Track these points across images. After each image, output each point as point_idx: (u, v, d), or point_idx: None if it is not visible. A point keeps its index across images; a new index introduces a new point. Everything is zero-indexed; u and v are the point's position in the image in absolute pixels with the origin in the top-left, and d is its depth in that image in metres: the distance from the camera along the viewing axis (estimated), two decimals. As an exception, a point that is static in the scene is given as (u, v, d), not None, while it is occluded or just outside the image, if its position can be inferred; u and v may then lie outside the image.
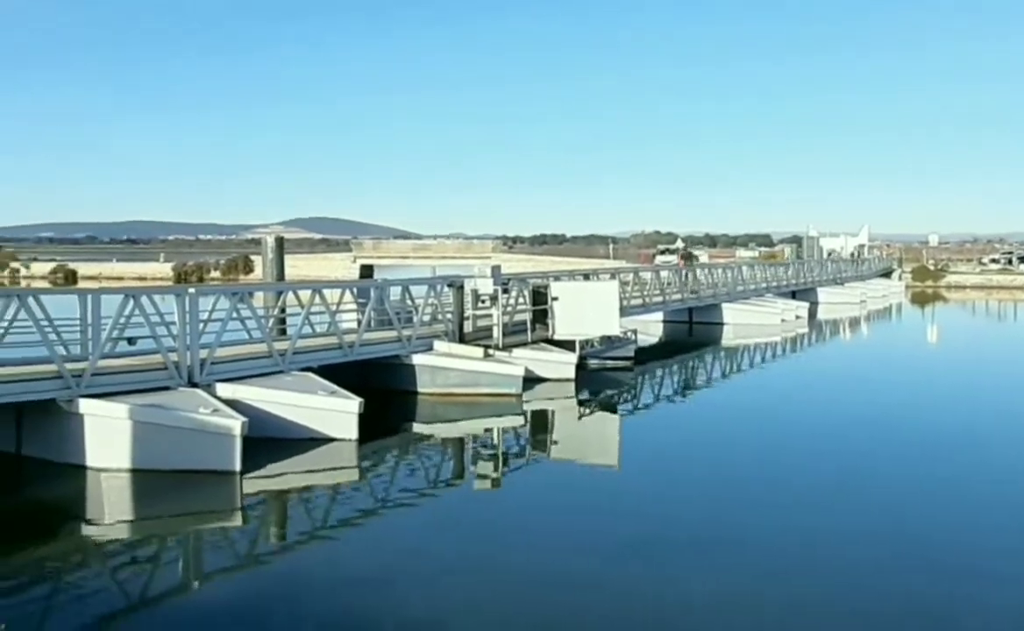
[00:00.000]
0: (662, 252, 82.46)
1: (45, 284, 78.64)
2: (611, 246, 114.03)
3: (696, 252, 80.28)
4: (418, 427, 18.06)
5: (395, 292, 21.71)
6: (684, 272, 32.97)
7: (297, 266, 75.36)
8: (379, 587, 9.60)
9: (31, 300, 13.96)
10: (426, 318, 21.12)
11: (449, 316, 21.15)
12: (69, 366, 13.77)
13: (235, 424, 13.14)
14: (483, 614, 8.88)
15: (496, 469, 14.86)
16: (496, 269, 21.92)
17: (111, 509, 12.85)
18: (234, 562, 10.82)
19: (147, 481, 13.13)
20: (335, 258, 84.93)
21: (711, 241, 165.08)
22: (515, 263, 62.59)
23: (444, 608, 8.98)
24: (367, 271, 69.42)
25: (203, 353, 15.40)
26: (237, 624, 8.83)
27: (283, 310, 19.68)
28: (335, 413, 15.13)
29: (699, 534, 11.32)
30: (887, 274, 69.53)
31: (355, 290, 21.10)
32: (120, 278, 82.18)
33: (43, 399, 13.40)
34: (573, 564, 10.17)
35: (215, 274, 78.21)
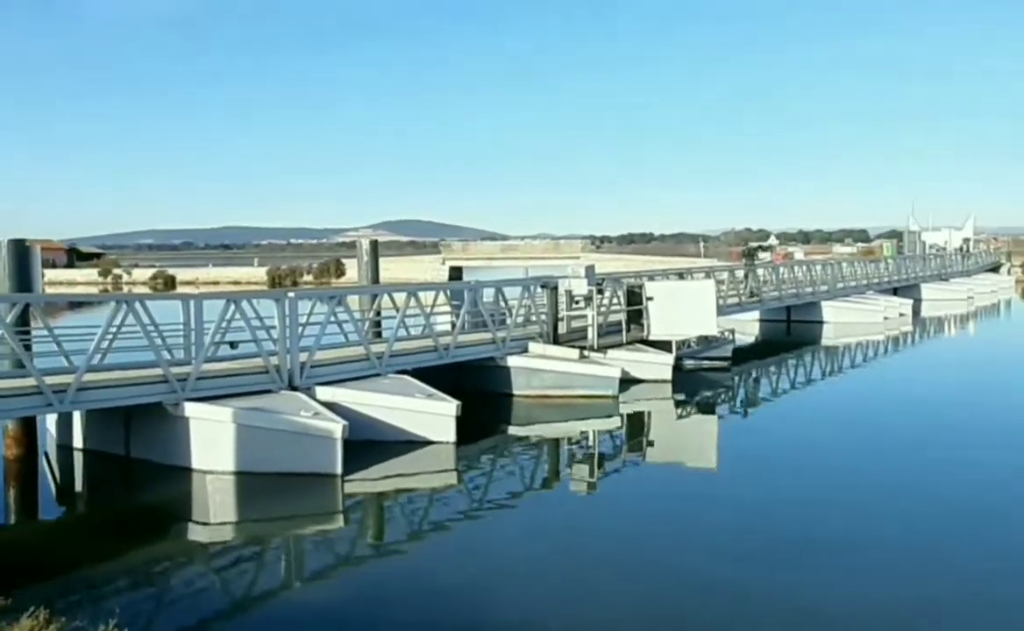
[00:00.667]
0: (755, 249, 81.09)
1: (146, 289, 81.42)
2: (702, 244, 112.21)
3: (790, 249, 78.57)
4: (514, 429, 17.91)
5: (487, 294, 21.63)
6: (745, 273, 31.89)
7: (388, 269, 76.16)
8: (476, 591, 9.51)
9: (137, 305, 14.27)
10: (519, 320, 20.97)
11: (544, 317, 20.96)
12: (173, 370, 14.03)
13: (336, 427, 13.18)
14: (580, 617, 8.70)
15: (592, 472, 14.69)
16: (590, 269, 21.64)
17: (216, 510, 13.04)
18: (335, 564, 10.84)
19: (251, 483, 13.28)
20: (424, 260, 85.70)
21: (804, 237, 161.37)
22: (604, 263, 61.84)
23: (539, 610, 8.84)
24: (456, 273, 69.94)
25: (302, 356, 15.53)
26: (338, 625, 8.82)
27: (378, 313, 19.77)
28: (433, 416, 15.09)
29: (802, 538, 10.94)
30: (995, 269, 66.79)
31: (448, 292, 21.10)
32: (216, 282, 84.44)
33: (150, 403, 13.67)
34: (672, 565, 10.02)
35: (308, 277, 79.76)
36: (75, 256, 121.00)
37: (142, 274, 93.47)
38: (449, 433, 15.06)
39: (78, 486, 14.57)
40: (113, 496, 13.97)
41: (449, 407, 15.09)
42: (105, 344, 14.08)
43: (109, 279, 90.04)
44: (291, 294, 15.52)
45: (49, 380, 12.73)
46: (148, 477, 13.94)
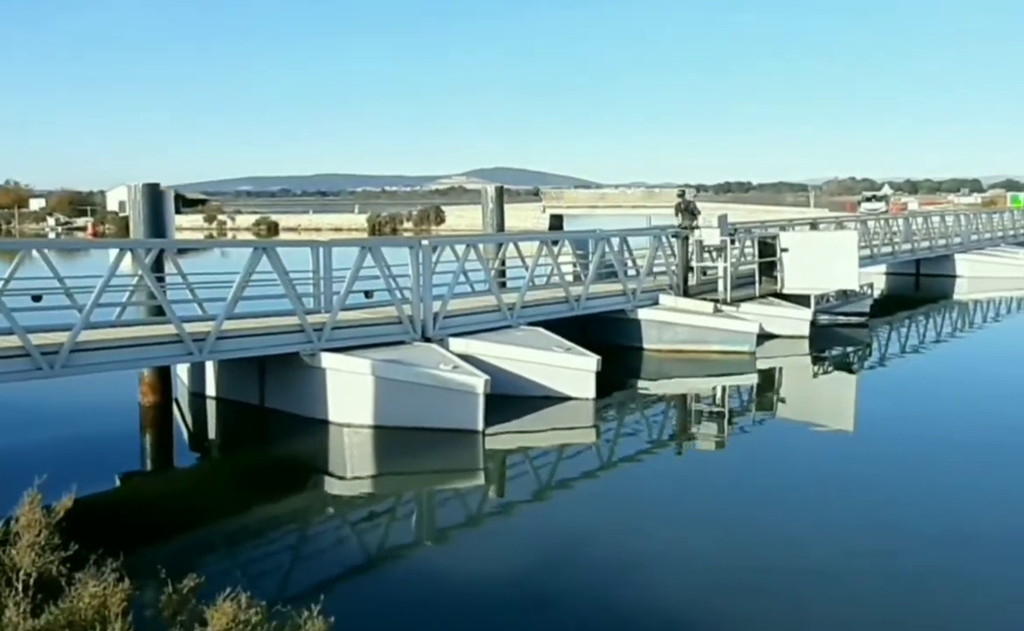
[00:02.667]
0: (867, 199, 77.97)
1: (250, 236, 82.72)
2: (811, 193, 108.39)
3: (904, 199, 75.31)
4: (649, 385, 17.19)
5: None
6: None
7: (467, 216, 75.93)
8: (613, 548, 9.12)
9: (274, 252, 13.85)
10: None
11: (674, 269, 20.05)
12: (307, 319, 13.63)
13: (479, 382, 12.64)
14: (704, 573, 8.43)
15: (723, 429, 14.26)
16: (723, 218, 20.60)
17: (353, 464, 12.72)
18: (477, 521, 10.44)
19: (388, 437, 12.89)
20: (524, 208, 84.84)
21: (912, 187, 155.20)
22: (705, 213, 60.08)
23: (669, 568, 8.65)
24: (556, 221, 68.48)
25: (435, 306, 15.01)
26: (479, 583, 8.38)
27: (503, 262, 19.16)
28: (573, 371, 14.46)
29: (944, 508, 10.19)
30: None
31: (573, 242, 20.35)
32: (318, 229, 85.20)
33: (287, 353, 13.34)
34: (794, 527, 9.51)
35: (408, 224, 79.84)
36: (181, 202, 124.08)
37: (245, 220, 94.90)
38: (588, 389, 14.42)
39: (211, 435, 14.44)
40: (248, 446, 13.74)
41: (589, 362, 14.42)
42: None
43: (214, 225, 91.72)
44: (425, 242, 14.96)
45: (187, 328, 12.49)
46: (283, 428, 13.66)
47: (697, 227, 20.70)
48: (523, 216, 72.37)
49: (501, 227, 21.27)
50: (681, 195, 22.26)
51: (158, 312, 13.64)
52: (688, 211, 21.09)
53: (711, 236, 20.33)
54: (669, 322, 18.89)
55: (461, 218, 78.79)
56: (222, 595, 4.81)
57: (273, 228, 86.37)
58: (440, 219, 78.11)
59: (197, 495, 11.56)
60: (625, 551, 9.01)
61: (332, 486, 11.89)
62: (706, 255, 20.90)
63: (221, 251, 44.45)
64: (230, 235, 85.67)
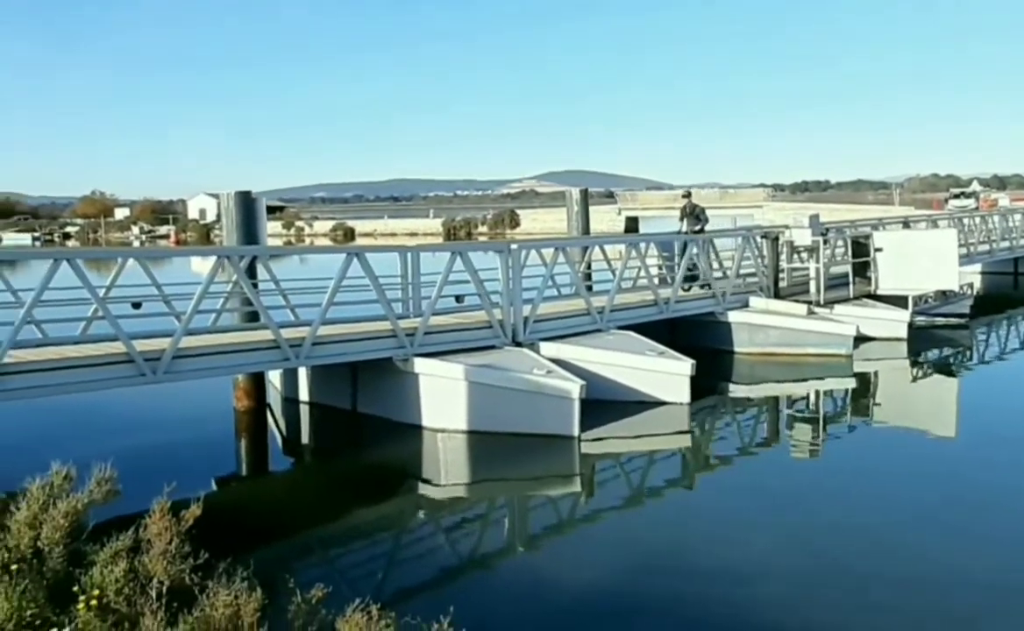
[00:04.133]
0: (955, 196, 75.55)
1: (327, 241, 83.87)
2: (896, 191, 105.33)
3: (995, 195, 72.83)
4: (741, 389, 16.80)
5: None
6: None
7: (563, 219, 75.63)
8: (707, 558, 8.92)
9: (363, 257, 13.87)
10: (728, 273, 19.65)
11: (764, 270, 19.59)
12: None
13: (574, 387, 12.47)
14: (798, 586, 8.20)
15: (817, 436, 13.83)
16: (815, 218, 20.07)
17: (447, 470, 12.66)
18: (574, 526, 10.33)
19: (482, 443, 12.79)
20: (598, 210, 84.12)
21: (1000, 183, 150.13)
22: (784, 213, 58.83)
23: (762, 579, 8.31)
24: (632, 223, 68.00)
25: (525, 310, 14.88)
26: (576, 590, 8.28)
27: (589, 266, 18.95)
28: (667, 375, 14.19)
29: None
30: None
31: (659, 244, 20.03)
32: (393, 234, 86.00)
33: (380, 358, 13.35)
34: (894, 538, 9.13)
35: (483, 228, 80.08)
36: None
37: (322, 226, 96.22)
38: (683, 393, 14.14)
39: (304, 439, 14.54)
40: (341, 451, 13.79)
41: (684, 366, 14.14)
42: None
43: (292, 231, 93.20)
44: (514, 245, 14.84)
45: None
46: (375, 433, 13.66)
47: (703, 232, 19.40)
48: (598, 218, 71.71)
49: (586, 230, 21.06)
50: (687, 196, 20.67)
51: (252, 318, 13.79)
52: (693, 215, 19.76)
53: (802, 236, 19.84)
54: (761, 324, 18.45)
55: (535, 221, 78.75)
56: (351, 606, 4.74)
57: (349, 234, 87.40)
58: (515, 223, 78.14)
59: (292, 499, 11.64)
60: (718, 561, 8.80)
61: (426, 491, 11.84)
62: (795, 256, 20.39)
63: (300, 257, 45.04)
64: (308, 241, 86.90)
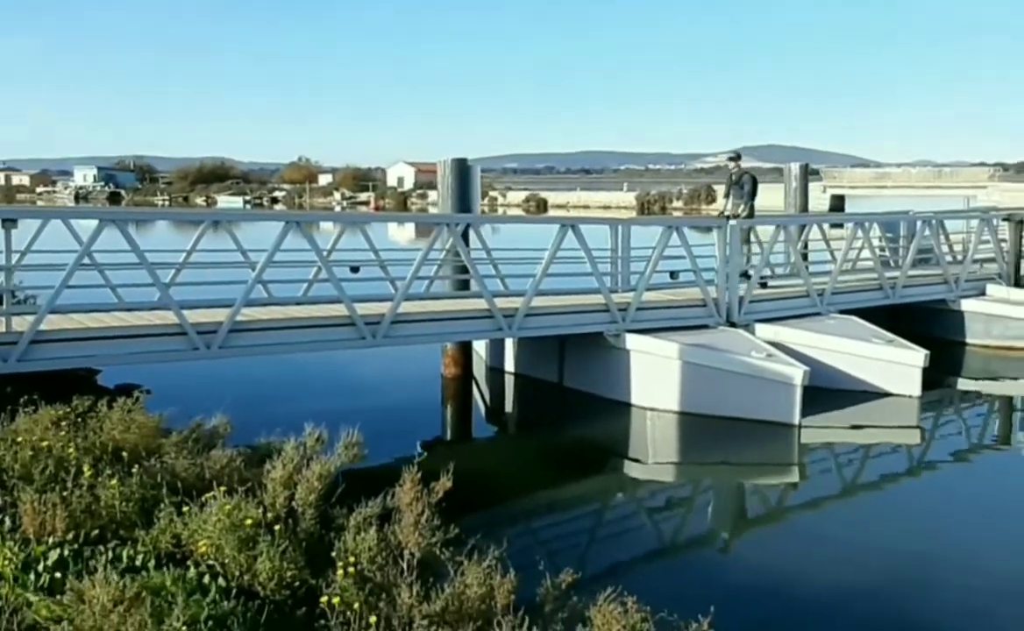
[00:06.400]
0: None
1: (520, 211, 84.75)
2: None
3: None
4: (974, 385, 15.55)
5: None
6: None
7: (763, 196, 73.03)
8: (930, 561, 8.32)
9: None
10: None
11: (1005, 256, 18.00)
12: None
13: (797, 372, 11.81)
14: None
15: None
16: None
17: (656, 450, 12.35)
18: (790, 517, 9.92)
19: (694, 424, 12.36)
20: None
21: None
22: (1013, 194, 53.99)
23: (987, 588, 7.66)
24: (838, 202, 64.71)
25: (740, 289, 14.25)
26: (789, 584, 7.76)
27: (806, 245, 18.00)
28: (896, 365, 13.24)
29: None
30: None
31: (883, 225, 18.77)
32: (586, 206, 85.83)
33: (592, 333, 13.12)
34: None
35: (678, 204, 78.68)
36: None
37: (515, 197, 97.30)
38: (913, 385, 13.16)
39: (508, 409, 14.52)
40: (546, 424, 13.65)
41: (916, 356, 13.16)
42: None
43: (486, 201, 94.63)
44: (732, 221, 14.21)
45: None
46: (582, 408, 13.44)
47: (745, 212, 15.09)
48: (799, 196, 69.00)
49: (805, 207, 20.02)
50: (735, 158, 16.06)
51: (461, 286, 13.90)
52: (739, 184, 15.50)
53: (1052, 219, 18.05)
54: (1000, 315, 16.93)
55: (733, 197, 76.42)
56: (602, 595, 4.51)
57: (542, 205, 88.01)
58: (711, 198, 76.16)
59: (497, 469, 11.58)
60: (940, 566, 8.19)
61: (633, 470, 11.55)
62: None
63: (492, 227, 45.49)
64: (500, 210, 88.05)
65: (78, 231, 11.53)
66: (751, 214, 15.30)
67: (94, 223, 10.29)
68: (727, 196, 15.70)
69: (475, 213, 15.22)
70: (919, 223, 17.22)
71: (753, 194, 15.25)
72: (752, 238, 15.60)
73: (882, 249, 18.11)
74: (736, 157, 16.06)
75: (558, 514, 9.75)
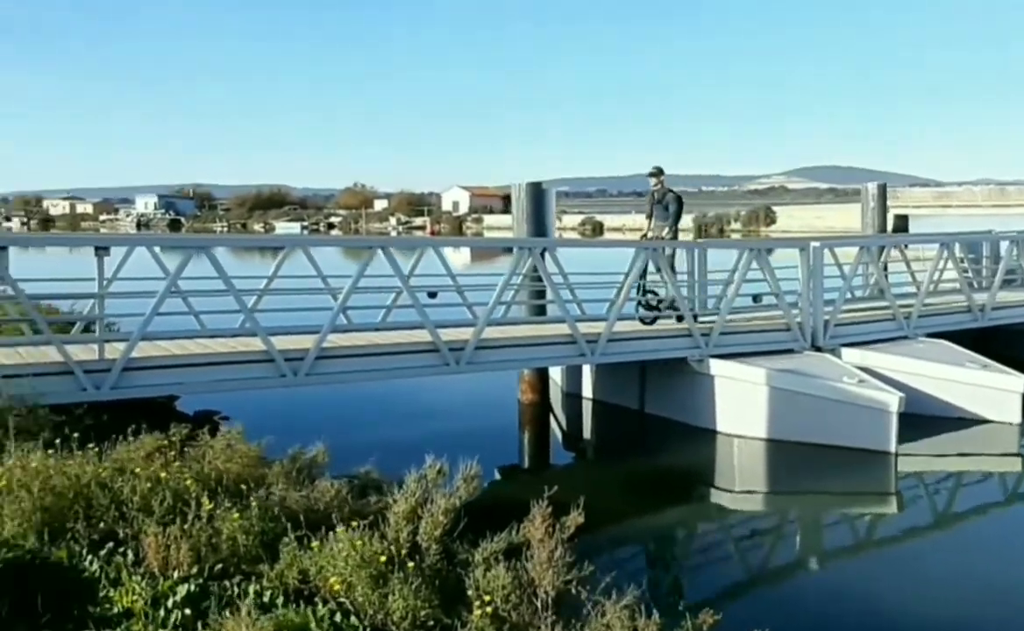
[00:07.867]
0: None
1: (576, 235, 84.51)
2: None
3: None
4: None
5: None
6: None
7: (821, 217, 71.97)
8: None
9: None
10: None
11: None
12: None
13: (892, 399, 11.43)
14: None
15: None
16: None
17: (743, 477, 12.04)
18: (884, 548, 9.53)
19: (782, 452, 12.03)
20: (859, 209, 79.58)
21: None
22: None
23: None
24: (901, 222, 63.16)
25: (826, 313, 13.89)
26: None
27: (886, 266, 17.52)
28: (993, 391, 12.78)
29: None
30: None
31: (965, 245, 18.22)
32: (639, 229, 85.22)
33: (674, 358, 12.87)
34: None
35: (735, 225, 77.79)
36: (507, 202, 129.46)
37: (571, 220, 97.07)
38: (1013, 412, 12.70)
39: (587, 435, 14.32)
40: (626, 450, 13.41)
41: (1015, 382, 12.72)
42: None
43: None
44: (815, 243, 13.88)
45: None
46: (664, 434, 13.17)
47: (670, 234, 13.57)
48: (857, 217, 67.97)
49: (883, 228, 19.56)
50: (656, 174, 13.93)
51: (538, 311, 13.75)
52: (661, 204, 13.79)
53: None
54: (1098, 337, 16.30)
55: (792, 218, 75.49)
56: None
57: (598, 228, 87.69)
58: (770, 220, 75.29)
59: (577, 495, 11.37)
60: None
61: (721, 498, 11.29)
62: None
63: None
64: (557, 234, 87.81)
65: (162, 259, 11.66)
66: (675, 236, 13.89)
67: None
68: (649, 216, 13.96)
69: (551, 237, 15.06)
70: (1006, 243, 16.69)
71: (678, 215, 13.67)
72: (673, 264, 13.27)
73: (965, 270, 17.58)
74: (657, 173, 13.93)
75: (639, 542, 9.57)
